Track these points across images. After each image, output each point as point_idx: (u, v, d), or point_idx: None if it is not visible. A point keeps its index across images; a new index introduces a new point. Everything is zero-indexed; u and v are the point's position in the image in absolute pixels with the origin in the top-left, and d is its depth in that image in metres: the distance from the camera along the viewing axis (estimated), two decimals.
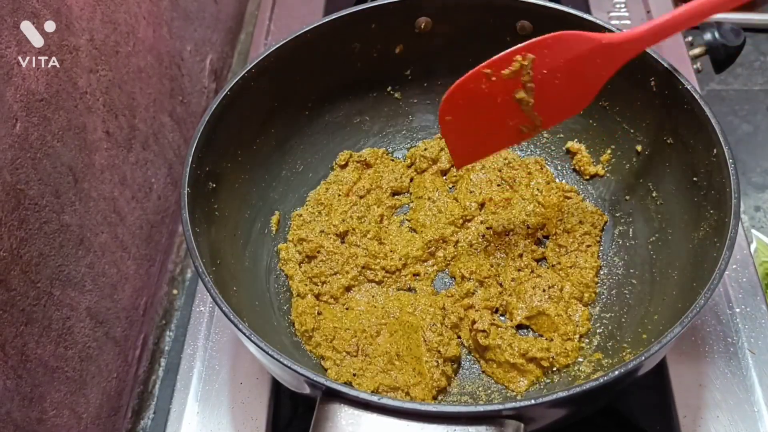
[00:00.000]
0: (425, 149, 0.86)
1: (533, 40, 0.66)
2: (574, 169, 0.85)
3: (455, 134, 0.72)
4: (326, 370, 0.70)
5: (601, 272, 0.77)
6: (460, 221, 0.81)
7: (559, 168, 0.86)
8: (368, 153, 0.86)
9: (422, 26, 0.81)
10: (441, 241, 0.79)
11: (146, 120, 0.85)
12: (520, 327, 0.73)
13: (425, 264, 0.79)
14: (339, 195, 0.83)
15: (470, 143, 0.73)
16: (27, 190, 0.61)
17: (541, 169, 0.84)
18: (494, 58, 0.66)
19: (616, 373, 0.52)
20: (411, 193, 0.86)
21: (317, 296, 0.76)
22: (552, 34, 0.65)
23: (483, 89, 0.68)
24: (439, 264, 0.79)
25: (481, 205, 0.82)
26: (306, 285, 0.76)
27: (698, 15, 0.62)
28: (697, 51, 0.99)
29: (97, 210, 0.73)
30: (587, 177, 0.84)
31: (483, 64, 0.67)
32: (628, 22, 1.07)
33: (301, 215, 0.81)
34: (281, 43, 0.75)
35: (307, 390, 0.55)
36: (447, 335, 0.71)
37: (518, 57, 0.66)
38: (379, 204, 0.83)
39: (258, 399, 0.73)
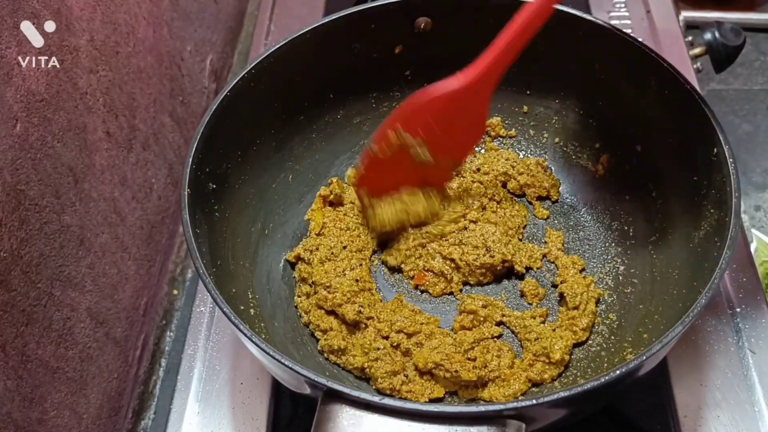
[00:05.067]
0: None
1: (394, 111, 0.71)
2: None
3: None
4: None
5: (602, 272, 0.77)
6: (461, 221, 0.80)
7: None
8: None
9: (422, 26, 0.81)
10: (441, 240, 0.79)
11: (146, 120, 0.84)
12: None
13: None
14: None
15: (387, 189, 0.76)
16: (27, 190, 0.61)
17: (543, 170, 0.84)
18: (374, 137, 0.71)
19: (617, 372, 0.52)
20: None
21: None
22: (407, 99, 0.69)
23: (386, 162, 0.72)
24: None
25: (482, 205, 0.82)
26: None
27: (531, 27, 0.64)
28: (697, 51, 0.99)
29: (97, 210, 0.73)
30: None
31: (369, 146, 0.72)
32: (628, 21, 1.07)
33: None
34: (281, 43, 0.75)
35: (307, 390, 0.55)
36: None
37: (390, 133, 0.69)
38: None
39: (258, 399, 0.73)
